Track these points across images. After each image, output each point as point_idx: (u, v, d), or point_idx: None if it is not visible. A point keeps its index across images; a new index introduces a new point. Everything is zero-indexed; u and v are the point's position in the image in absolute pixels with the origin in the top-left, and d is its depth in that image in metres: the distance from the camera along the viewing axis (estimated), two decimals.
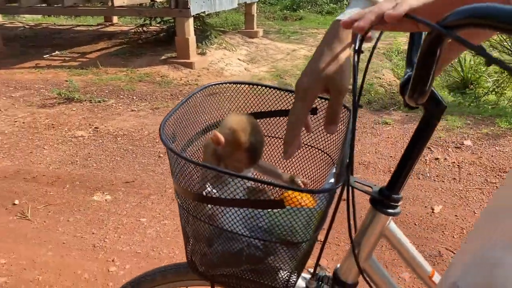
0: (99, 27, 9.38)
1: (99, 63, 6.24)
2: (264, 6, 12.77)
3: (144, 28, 7.76)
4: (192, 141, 0.90)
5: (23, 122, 4.24)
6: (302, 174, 0.98)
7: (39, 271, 2.19)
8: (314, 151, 0.95)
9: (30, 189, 2.99)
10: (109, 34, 8.35)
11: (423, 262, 0.81)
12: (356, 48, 0.63)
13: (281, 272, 0.78)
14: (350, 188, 0.73)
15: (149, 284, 1.02)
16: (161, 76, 5.78)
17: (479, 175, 3.08)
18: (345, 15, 0.70)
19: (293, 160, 0.96)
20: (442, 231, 2.48)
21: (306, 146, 0.95)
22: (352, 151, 0.69)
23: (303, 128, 0.79)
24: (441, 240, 2.41)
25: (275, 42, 8.35)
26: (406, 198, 2.82)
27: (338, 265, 0.85)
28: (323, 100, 0.88)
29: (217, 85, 0.95)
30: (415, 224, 2.56)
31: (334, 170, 0.86)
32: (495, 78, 6.06)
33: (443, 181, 3.03)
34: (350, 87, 0.68)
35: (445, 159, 3.36)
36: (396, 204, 0.75)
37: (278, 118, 0.95)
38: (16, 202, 2.83)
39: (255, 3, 8.76)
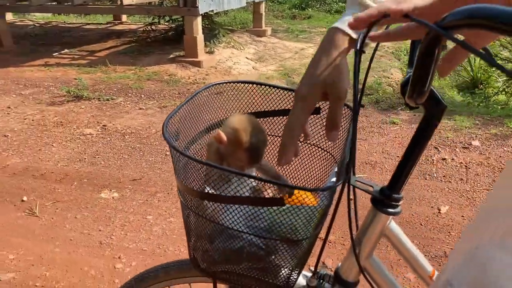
0: (108, 25, 9.43)
1: (108, 62, 6.28)
2: (272, 5, 12.76)
3: (153, 27, 7.79)
4: (196, 139, 0.91)
5: (32, 120, 4.28)
6: (305, 173, 0.99)
7: (47, 267, 2.22)
8: (316, 150, 0.96)
9: (38, 186, 3.02)
10: (118, 33, 8.39)
11: (424, 261, 0.81)
12: (358, 47, 0.63)
13: (282, 269, 0.79)
14: (351, 187, 0.74)
15: (153, 281, 1.04)
16: (169, 75, 5.80)
17: (486, 176, 3.06)
18: (343, 22, 0.71)
19: (296, 159, 0.97)
20: (448, 232, 2.47)
21: (309, 145, 0.95)
22: (354, 151, 0.69)
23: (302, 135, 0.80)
24: (447, 240, 2.40)
25: (283, 41, 8.34)
26: (413, 198, 2.82)
27: (339, 264, 0.86)
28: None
29: (222, 84, 0.96)
30: (421, 225, 2.55)
31: (336, 169, 0.86)
32: (505, 78, 6.01)
33: (450, 182, 3.02)
34: (351, 92, 0.69)
35: (453, 159, 3.34)
36: (397, 203, 0.76)
37: (282, 117, 0.96)
38: (25, 198, 2.86)
39: (264, 2, 8.75)
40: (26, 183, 3.06)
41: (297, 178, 0.99)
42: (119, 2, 7.30)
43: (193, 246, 0.83)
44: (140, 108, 4.61)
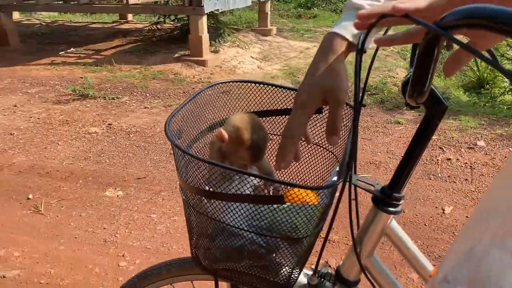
0: (114, 24, 9.46)
1: (114, 61, 6.30)
2: (278, 4, 12.76)
3: (158, 26, 7.81)
4: (199, 138, 0.91)
5: (38, 118, 4.31)
6: (307, 172, 0.99)
7: (51, 265, 2.24)
8: (319, 149, 0.96)
9: (44, 184, 3.04)
10: (124, 32, 8.42)
11: (425, 261, 0.81)
12: (359, 47, 0.64)
13: (283, 268, 0.79)
14: (352, 186, 0.74)
15: (155, 278, 1.05)
16: (174, 74, 5.82)
17: (492, 177, 3.05)
18: (340, 27, 0.71)
19: (303, 159, 0.97)
20: (453, 232, 2.46)
21: (311, 144, 0.96)
22: (355, 150, 0.69)
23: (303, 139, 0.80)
24: (451, 241, 2.40)
25: (289, 40, 8.34)
26: (417, 199, 2.81)
27: (341, 263, 0.86)
28: None
29: (226, 83, 0.96)
30: (425, 225, 2.54)
31: (338, 168, 0.87)
32: None
33: (454, 182, 3.01)
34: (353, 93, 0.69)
35: (458, 159, 3.33)
36: (398, 203, 0.76)
37: (284, 116, 0.96)
38: (30, 196, 2.88)
39: (269, 1, 8.75)
40: (31, 181, 3.09)
41: (299, 177, 0.99)
42: (125, 1, 7.33)
43: (195, 244, 0.83)
44: (145, 107, 4.63)
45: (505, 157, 3.31)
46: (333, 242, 2.40)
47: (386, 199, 0.76)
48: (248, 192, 0.76)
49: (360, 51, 0.63)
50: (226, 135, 0.79)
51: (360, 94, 0.68)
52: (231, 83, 0.96)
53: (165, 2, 7.86)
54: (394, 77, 5.88)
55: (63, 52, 6.98)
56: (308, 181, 1.00)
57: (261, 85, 0.96)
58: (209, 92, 0.93)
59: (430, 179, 3.07)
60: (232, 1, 6.96)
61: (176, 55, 6.50)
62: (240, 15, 10.73)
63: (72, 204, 2.80)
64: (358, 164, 3.30)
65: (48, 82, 5.50)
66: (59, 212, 2.71)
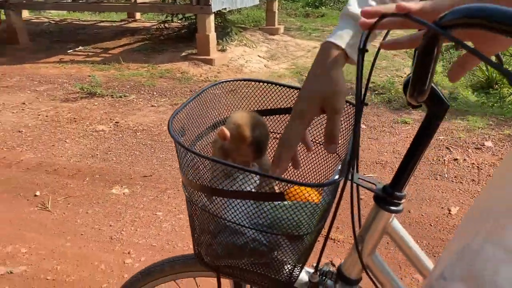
0: (122, 23, 9.51)
1: (121, 59, 6.33)
2: (286, 3, 12.74)
3: (166, 25, 7.84)
4: (202, 136, 0.92)
5: (46, 116, 4.35)
6: (310, 170, 0.99)
7: (58, 261, 2.26)
8: (321, 148, 0.96)
9: (51, 181, 3.07)
10: (131, 30, 8.46)
11: (426, 260, 0.81)
12: (361, 46, 0.64)
13: (285, 265, 0.79)
14: (354, 185, 0.74)
15: (159, 274, 1.05)
16: (182, 73, 5.84)
17: None
18: (336, 36, 0.72)
19: (301, 157, 0.97)
20: None
21: (315, 143, 0.96)
22: (357, 149, 0.70)
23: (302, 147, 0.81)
24: None
25: (296, 39, 8.33)
26: (423, 199, 2.80)
27: (342, 261, 0.86)
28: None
29: (229, 82, 0.97)
30: (431, 225, 2.53)
31: (340, 167, 0.87)
32: None
33: (461, 182, 2.99)
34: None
35: (465, 160, 3.31)
36: (399, 201, 0.76)
37: (287, 115, 0.96)
38: (37, 193, 2.91)
39: (277, 0, 8.75)
40: (39, 178, 3.11)
41: (302, 175, 0.99)
42: (133, 0, 7.36)
43: (197, 240, 0.84)
44: (152, 106, 4.65)
45: None
46: (338, 241, 2.40)
47: (387, 197, 0.76)
48: (250, 190, 0.76)
49: (362, 50, 0.64)
50: (227, 133, 0.80)
51: (363, 93, 0.68)
52: (234, 81, 0.97)
53: (172, 1, 7.89)
54: (402, 77, 5.86)
55: (71, 51, 7.02)
56: (311, 179, 1.00)
57: (265, 84, 0.96)
58: (213, 91, 0.94)
59: (437, 179, 3.06)
60: (240, 0, 6.97)
61: (184, 53, 6.52)
62: (247, 14, 10.73)
63: (79, 201, 2.82)
64: (364, 164, 3.30)
65: (57, 80, 5.54)
66: (66, 209, 2.74)
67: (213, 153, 0.90)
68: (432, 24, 0.47)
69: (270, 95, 0.97)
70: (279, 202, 0.74)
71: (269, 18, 8.72)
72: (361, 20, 0.64)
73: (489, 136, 3.67)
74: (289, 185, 0.86)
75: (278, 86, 0.96)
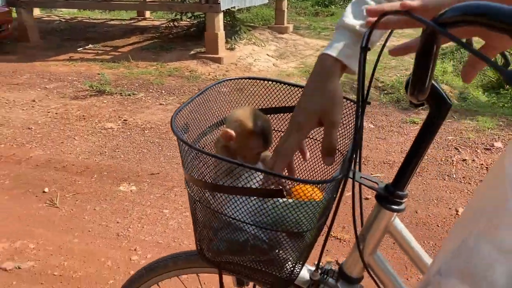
0: (132, 21, 9.56)
1: (131, 57, 6.37)
2: (295, 2, 12.73)
3: (175, 23, 7.87)
4: (206, 133, 0.92)
5: (56, 113, 4.38)
6: (313, 168, 0.99)
7: (65, 257, 2.28)
8: None
9: (59, 178, 3.10)
10: (141, 29, 8.50)
11: (427, 259, 0.81)
12: (363, 45, 0.64)
13: (286, 262, 0.79)
14: (355, 184, 0.74)
15: (162, 270, 1.06)
16: (190, 71, 5.86)
17: None
18: (333, 48, 0.72)
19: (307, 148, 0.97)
20: None
21: (317, 141, 0.96)
22: (359, 147, 0.70)
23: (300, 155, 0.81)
24: None
25: (305, 38, 8.32)
26: (430, 199, 2.78)
27: (344, 260, 0.86)
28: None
29: (235, 80, 0.97)
30: (438, 226, 2.52)
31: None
32: None
33: (469, 183, 2.97)
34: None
35: (473, 160, 3.29)
36: (401, 200, 0.76)
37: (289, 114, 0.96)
38: (46, 190, 2.93)
39: None
40: (48, 175, 3.14)
41: (305, 173, 0.99)
42: None
43: (199, 236, 0.84)
44: (161, 104, 4.67)
45: None
46: (344, 241, 2.40)
47: (389, 196, 0.76)
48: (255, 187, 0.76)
49: (365, 49, 0.63)
50: (232, 132, 0.80)
51: (366, 91, 0.68)
52: (239, 80, 0.97)
53: None
54: None
55: (81, 49, 7.08)
56: (316, 177, 1.00)
57: (270, 82, 0.97)
58: (218, 89, 0.94)
59: (445, 179, 3.04)
60: None
61: (192, 52, 6.54)
62: (256, 13, 10.73)
63: (87, 198, 2.84)
64: (371, 164, 3.29)
65: (66, 77, 5.58)
66: (74, 205, 2.76)
67: (216, 153, 0.90)
68: (431, 21, 0.47)
69: (275, 93, 0.97)
70: (281, 200, 0.75)
71: (278, 17, 8.72)
72: (367, 19, 0.64)
73: (498, 137, 3.64)
74: (293, 184, 0.86)
75: (282, 85, 0.96)
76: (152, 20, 9.67)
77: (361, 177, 0.77)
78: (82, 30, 8.68)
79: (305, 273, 0.90)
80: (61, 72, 5.83)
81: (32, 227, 2.53)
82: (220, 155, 0.84)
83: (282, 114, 0.98)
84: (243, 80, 0.98)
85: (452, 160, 3.29)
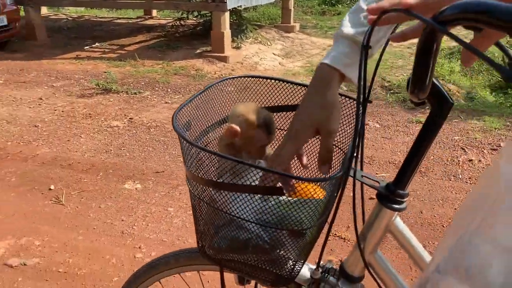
0: (138, 20, 9.59)
1: (137, 56, 6.39)
2: (302, 1, 12.69)
3: (182, 22, 7.88)
4: (208, 131, 0.92)
5: (62, 111, 4.41)
6: (314, 167, 0.99)
7: (70, 254, 2.29)
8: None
9: (65, 176, 3.11)
10: (147, 27, 8.52)
11: (428, 258, 0.80)
12: (364, 43, 0.64)
13: (287, 260, 0.80)
14: (358, 182, 0.74)
15: (164, 267, 1.07)
16: (196, 70, 5.86)
17: None
18: (331, 58, 0.72)
19: (307, 152, 0.97)
20: None
21: (319, 140, 0.96)
22: (359, 146, 0.69)
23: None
24: None
25: (312, 37, 8.30)
26: (435, 200, 2.77)
27: (345, 258, 0.86)
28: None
29: (239, 79, 0.97)
30: (443, 226, 2.51)
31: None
32: None
33: (475, 184, 2.95)
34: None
35: (480, 161, 3.27)
36: (402, 200, 0.76)
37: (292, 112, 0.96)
38: (52, 187, 2.95)
39: None
40: (54, 173, 3.16)
41: (308, 172, 0.99)
42: None
43: (200, 234, 0.85)
44: (166, 102, 4.68)
45: None
46: (348, 240, 2.39)
47: (390, 195, 0.76)
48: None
49: (366, 47, 0.63)
50: (237, 127, 0.81)
51: (367, 90, 0.68)
52: (242, 78, 0.97)
53: None
54: None
55: (88, 47, 7.11)
56: (317, 175, 0.99)
57: (273, 81, 0.97)
58: (221, 87, 0.94)
59: (450, 180, 3.02)
60: None
61: (198, 51, 6.55)
62: (263, 12, 10.72)
63: (92, 196, 2.86)
64: (377, 163, 3.28)
65: (73, 76, 5.61)
66: (79, 203, 2.77)
67: (219, 151, 0.90)
68: (430, 19, 0.47)
69: (278, 92, 0.97)
70: (283, 198, 0.75)
71: (285, 16, 8.70)
72: (369, 17, 0.64)
73: (505, 137, 3.61)
74: (296, 182, 0.86)
75: (285, 83, 0.96)
76: (159, 19, 9.70)
77: (362, 175, 0.77)
78: (89, 28, 8.72)
79: (306, 272, 0.90)
80: (68, 70, 5.86)
81: (37, 224, 2.55)
82: (224, 153, 0.85)
83: (284, 113, 0.98)
84: (247, 78, 0.98)
85: (458, 161, 3.27)
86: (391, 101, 4.67)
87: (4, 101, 4.68)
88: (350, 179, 0.75)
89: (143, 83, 5.31)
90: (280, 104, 0.96)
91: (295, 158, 0.87)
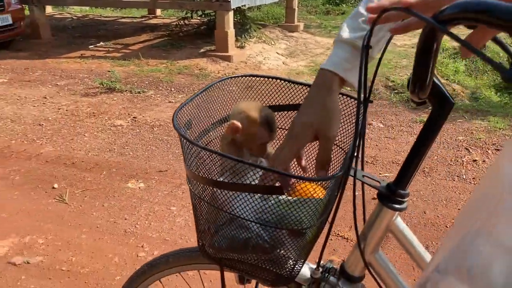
0: (142, 19, 9.61)
1: (141, 55, 6.40)
2: (306, 0, 12.67)
3: (186, 21, 7.88)
4: (209, 130, 0.92)
5: (66, 110, 4.42)
6: (313, 169, 0.99)
7: (73, 253, 2.30)
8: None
9: (69, 174, 3.12)
10: (151, 27, 8.54)
11: (429, 258, 0.80)
12: (365, 43, 0.63)
13: (287, 260, 0.80)
14: (359, 182, 0.74)
15: (164, 266, 1.07)
16: (200, 69, 5.87)
17: None
18: (331, 63, 0.72)
19: (308, 152, 0.97)
20: None
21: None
22: (359, 146, 0.69)
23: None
24: None
25: (316, 36, 8.29)
26: (439, 200, 2.76)
27: (346, 258, 0.86)
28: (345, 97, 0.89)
29: (240, 78, 0.97)
30: (446, 227, 2.50)
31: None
32: None
33: (478, 184, 2.94)
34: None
35: (484, 161, 3.25)
36: (403, 199, 0.75)
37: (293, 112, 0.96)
38: (56, 186, 2.96)
39: None
40: (57, 171, 3.17)
41: (309, 171, 0.99)
42: None
43: (201, 233, 0.85)
44: (170, 101, 4.69)
45: None
46: (351, 240, 2.39)
47: (391, 195, 0.75)
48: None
49: (366, 47, 0.63)
50: (239, 124, 0.81)
51: (368, 89, 0.67)
52: (244, 77, 0.97)
53: None
54: None
55: (92, 46, 7.13)
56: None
57: (275, 80, 0.96)
58: (222, 86, 0.94)
59: (454, 180, 3.01)
60: None
61: (202, 50, 6.55)
62: (267, 11, 10.71)
63: (96, 195, 2.86)
64: (380, 163, 3.27)
65: (77, 75, 5.63)
66: (83, 202, 2.78)
67: (221, 149, 0.91)
68: (430, 18, 0.47)
69: (280, 91, 0.96)
70: (283, 197, 0.75)
71: (289, 15, 8.69)
72: (369, 16, 0.64)
73: (510, 137, 3.59)
74: (296, 181, 0.86)
75: (287, 82, 0.96)
76: (163, 18, 9.71)
77: (363, 175, 0.77)
78: (93, 27, 8.75)
79: (306, 271, 0.90)
80: (72, 69, 5.88)
81: (41, 223, 2.55)
82: (226, 151, 0.85)
83: (286, 112, 0.98)
84: (250, 78, 0.98)
85: (462, 161, 3.26)
86: (395, 101, 4.65)
87: (8, 100, 4.70)
88: (351, 179, 0.75)
89: (147, 82, 5.32)
90: (282, 104, 0.96)
91: (294, 160, 0.87)
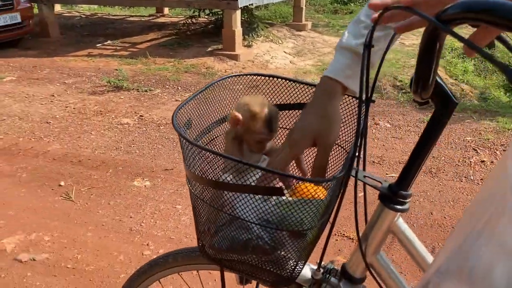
0: (150, 18, 9.63)
1: (148, 53, 6.42)
2: None
3: (193, 20, 7.89)
4: (209, 129, 0.92)
5: (74, 108, 4.44)
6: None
7: (78, 250, 2.31)
8: (335, 146, 0.95)
9: (75, 172, 3.14)
10: (159, 25, 8.56)
11: (431, 260, 0.79)
12: (367, 42, 0.63)
13: (288, 261, 0.79)
14: (360, 183, 0.73)
15: (163, 266, 1.07)
16: (207, 68, 5.87)
17: None
18: (333, 71, 0.72)
19: (308, 152, 0.96)
20: None
21: None
22: (360, 146, 0.68)
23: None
24: None
25: (323, 35, 8.25)
26: (446, 201, 2.74)
27: (347, 259, 0.85)
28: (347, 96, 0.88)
29: (241, 77, 0.97)
30: (453, 228, 2.47)
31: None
32: None
33: (482, 185, 2.91)
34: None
35: (492, 162, 3.22)
36: (405, 200, 0.75)
37: (297, 111, 0.96)
38: (62, 183, 2.98)
39: None
40: (64, 169, 3.19)
41: (308, 174, 0.98)
42: None
43: (201, 233, 0.84)
44: (176, 100, 4.70)
45: None
46: (356, 240, 2.37)
47: (393, 196, 0.74)
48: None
49: (368, 46, 0.62)
50: (239, 115, 0.81)
51: (370, 89, 0.67)
52: (245, 76, 0.96)
53: None
54: None
55: (100, 45, 7.16)
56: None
57: (279, 79, 0.96)
58: (224, 85, 0.94)
59: (462, 181, 2.98)
60: None
61: (209, 49, 6.56)
62: (274, 10, 10.68)
63: (102, 193, 2.87)
64: (387, 164, 3.25)
65: (85, 73, 5.66)
66: (89, 199, 2.79)
67: (226, 145, 0.90)
68: (433, 18, 0.46)
69: (284, 90, 0.96)
70: (283, 198, 0.74)
71: (296, 14, 8.66)
72: (372, 16, 0.63)
73: None
74: (297, 182, 0.85)
75: (291, 82, 0.95)
76: (171, 17, 9.73)
77: (364, 176, 0.76)
78: (101, 26, 8.78)
79: (307, 272, 0.90)
80: (80, 68, 5.91)
81: (47, 220, 2.57)
82: (230, 147, 0.85)
83: (289, 112, 0.97)
84: (254, 77, 0.97)
85: (470, 162, 3.23)
86: (403, 101, 4.62)
87: (16, 98, 4.74)
88: (352, 179, 0.74)
89: (154, 80, 5.33)
90: (285, 103, 0.96)
91: (293, 163, 0.86)
